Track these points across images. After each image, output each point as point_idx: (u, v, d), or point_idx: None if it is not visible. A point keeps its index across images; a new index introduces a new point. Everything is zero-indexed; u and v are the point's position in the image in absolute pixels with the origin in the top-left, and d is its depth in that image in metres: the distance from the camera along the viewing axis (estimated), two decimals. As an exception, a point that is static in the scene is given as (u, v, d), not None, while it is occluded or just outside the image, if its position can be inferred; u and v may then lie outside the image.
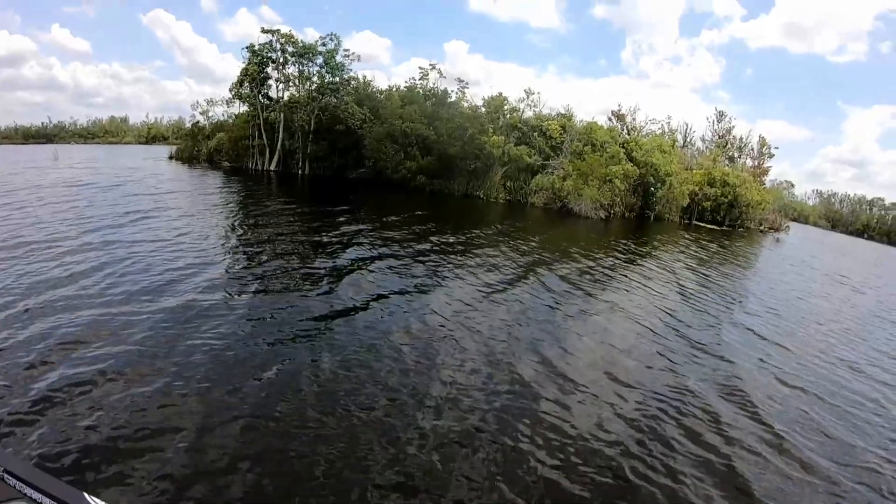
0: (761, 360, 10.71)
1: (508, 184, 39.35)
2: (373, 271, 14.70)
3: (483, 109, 44.18)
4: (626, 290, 15.51)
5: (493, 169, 39.40)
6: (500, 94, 44.51)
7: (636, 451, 6.52)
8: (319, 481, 5.56)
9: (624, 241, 25.29)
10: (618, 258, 20.67)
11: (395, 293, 12.66)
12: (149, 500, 5.27)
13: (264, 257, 16.57)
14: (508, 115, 43.41)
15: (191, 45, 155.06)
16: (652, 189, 37.51)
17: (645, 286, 16.30)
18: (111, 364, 7.79)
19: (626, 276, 17.42)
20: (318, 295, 12.22)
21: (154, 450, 5.88)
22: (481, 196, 39.16)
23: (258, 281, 13.94)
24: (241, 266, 15.48)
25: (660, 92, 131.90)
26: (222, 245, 18.11)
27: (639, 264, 19.95)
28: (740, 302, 16.66)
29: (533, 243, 21.28)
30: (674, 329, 12.08)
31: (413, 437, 6.33)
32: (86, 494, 2.99)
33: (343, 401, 7.16)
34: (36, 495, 3.05)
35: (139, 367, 7.83)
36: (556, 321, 11.74)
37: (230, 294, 12.03)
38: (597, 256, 20.14)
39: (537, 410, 7.20)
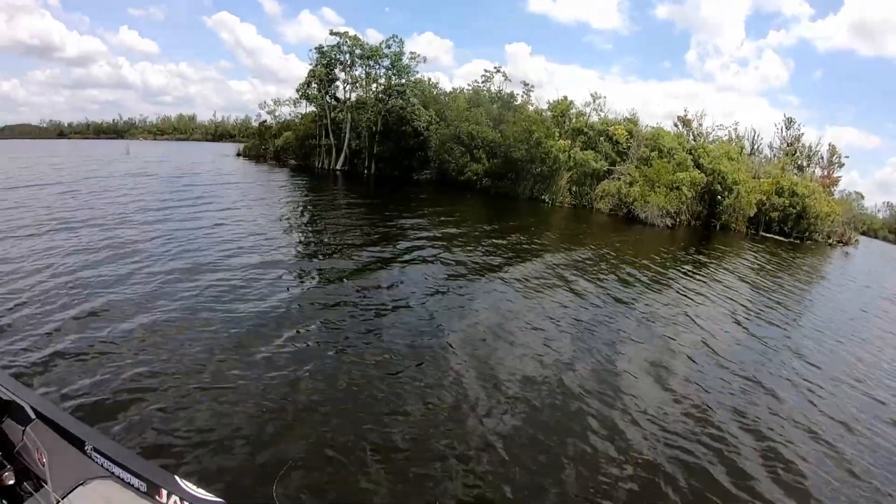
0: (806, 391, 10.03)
1: (574, 188, 39.62)
2: (434, 267, 15.53)
3: (549, 113, 44.48)
4: (688, 302, 15.33)
5: (558, 173, 39.77)
6: (566, 97, 45.17)
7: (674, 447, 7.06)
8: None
9: (689, 252, 25.16)
10: (682, 269, 20.52)
11: (455, 292, 13.22)
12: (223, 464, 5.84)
13: (328, 245, 18.17)
14: (574, 119, 43.73)
15: (255, 46, 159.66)
16: (719, 197, 37.35)
17: (708, 298, 16.23)
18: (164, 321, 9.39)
19: (689, 288, 17.24)
20: (379, 286, 13.14)
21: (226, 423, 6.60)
22: (546, 200, 39.51)
23: (320, 264, 15.52)
24: (305, 251, 17.26)
25: (726, 95, 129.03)
26: (289, 233, 19.94)
27: (703, 276, 19.52)
28: (799, 322, 15.77)
29: (599, 249, 21.55)
30: (730, 347, 12.01)
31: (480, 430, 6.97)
32: (177, 478, 3.38)
33: (397, 381, 8.04)
34: (124, 475, 3.54)
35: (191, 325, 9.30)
36: (616, 327, 11.98)
37: (292, 276, 13.53)
38: (661, 266, 20.51)
39: (587, 414, 7.69)
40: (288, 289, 12.50)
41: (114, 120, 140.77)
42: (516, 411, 7.53)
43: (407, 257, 16.53)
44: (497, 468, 6.19)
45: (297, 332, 9.80)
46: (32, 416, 4.23)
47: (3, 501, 3.88)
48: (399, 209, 27.69)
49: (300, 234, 20.46)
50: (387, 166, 50.61)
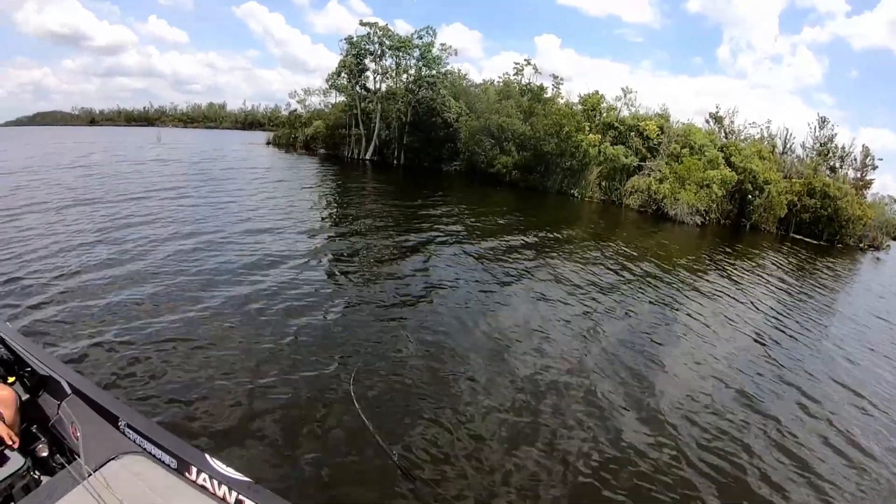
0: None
1: (604, 184, 39.83)
2: (462, 258, 15.98)
3: (579, 107, 44.76)
4: (719, 304, 15.27)
5: (588, 168, 40.10)
6: (596, 91, 45.25)
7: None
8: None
9: (719, 252, 25.04)
10: (711, 269, 20.44)
11: (479, 284, 13.59)
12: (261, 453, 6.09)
13: (357, 230, 18.92)
14: (605, 114, 43.88)
15: (283, 36, 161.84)
16: (749, 197, 37.45)
17: (737, 300, 16.05)
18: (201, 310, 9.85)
19: (719, 290, 17.09)
20: (405, 276, 13.62)
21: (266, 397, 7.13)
22: (575, 195, 39.90)
23: (348, 248, 16.34)
24: (334, 234, 18.24)
25: (759, 93, 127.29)
26: (318, 218, 21.16)
27: (732, 278, 19.34)
28: (830, 328, 15.47)
29: (627, 246, 21.60)
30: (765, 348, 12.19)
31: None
32: (207, 456, 3.52)
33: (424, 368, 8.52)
34: (156, 451, 3.70)
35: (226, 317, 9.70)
36: (646, 327, 12.02)
37: (319, 258, 14.41)
38: (690, 265, 20.60)
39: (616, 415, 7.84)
40: (314, 269, 13.33)
41: (144, 108, 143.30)
42: (532, 407, 7.74)
43: (434, 247, 17.14)
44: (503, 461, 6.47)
45: (321, 309, 10.51)
46: (68, 391, 4.45)
47: (37, 472, 4.00)
48: (428, 199, 28.46)
49: (330, 219, 21.49)
50: (416, 157, 51.29)
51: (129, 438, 3.86)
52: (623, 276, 16.63)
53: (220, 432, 6.29)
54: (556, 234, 22.37)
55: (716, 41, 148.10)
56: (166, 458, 3.62)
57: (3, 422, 4.03)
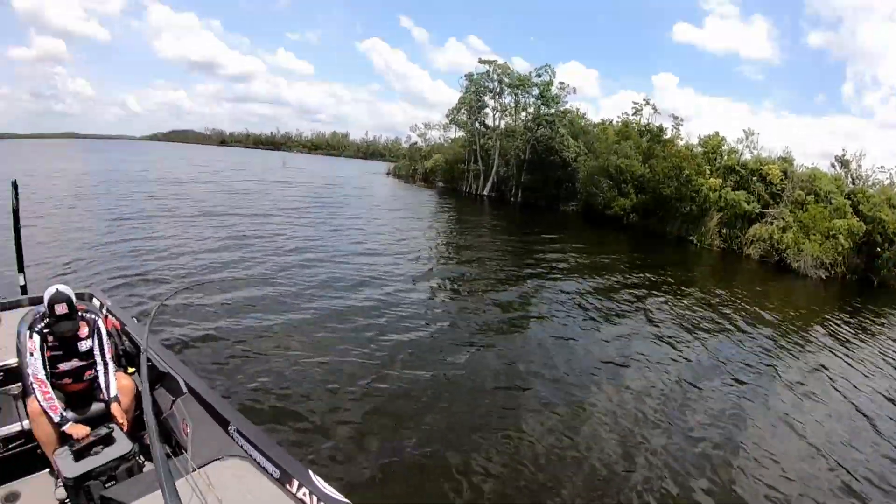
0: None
1: (724, 231, 38.84)
2: (571, 300, 16.23)
3: (699, 149, 44.14)
4: (819, 376, 13.18)
5: (708, 213, 39.34)
6: (717, 133, 44.50)
7: None
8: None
9: (839, 311, 22.58)
10: (826, 330, 18.02)
11: (591, 333, 13.37)
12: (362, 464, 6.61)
13: (469, 265, 20.28)
14: (726, 157, 42.85)
15: (404, 71, 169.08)
16: (878, 249, 35.72)
17: (850, 377, 13.48)
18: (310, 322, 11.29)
19: (832, 360, 14.69)
20: (508, 307, 14.31)
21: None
22: (694, 241, 38.96)
23: (458, 283, 17.40)
24: (446, 263, 19.93)
25: (888, 133, 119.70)
26: (432, 246, 23.07)
27: (850, 347, 16.43)
28: None
29: (743, 300, 20.38)
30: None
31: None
32: (311, 472, 3.59)
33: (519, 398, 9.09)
34: (261, 459, 3.80)
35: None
36: (752, 391, 11.24)
37: (429, 288, 15.55)
38: (802, 324, 18.50)
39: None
40: (419, 291, 14.74)
41: (272, 133, 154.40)
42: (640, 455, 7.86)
43: (542, 283, 18.02)
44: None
45: (427, 330, 11.59)
46: (185, 389, 4.86)
47: (141, 457, 4.33)
48: (541, 238, 29.51)
49: (442, 249, 23.45)
50: (533, 195, 52.29)
51: (236, 443, 4.06)
52: (730, 328, 15.81)
53: (315, 436, 7.09)
54: (669, 280, 21.94)
55: (839, 77, 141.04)
56: (269, 467, 3.75)
57: (119, 405, 4.69)
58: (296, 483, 3.53)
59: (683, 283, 21.96)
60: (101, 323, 4.99)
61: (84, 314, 4.86)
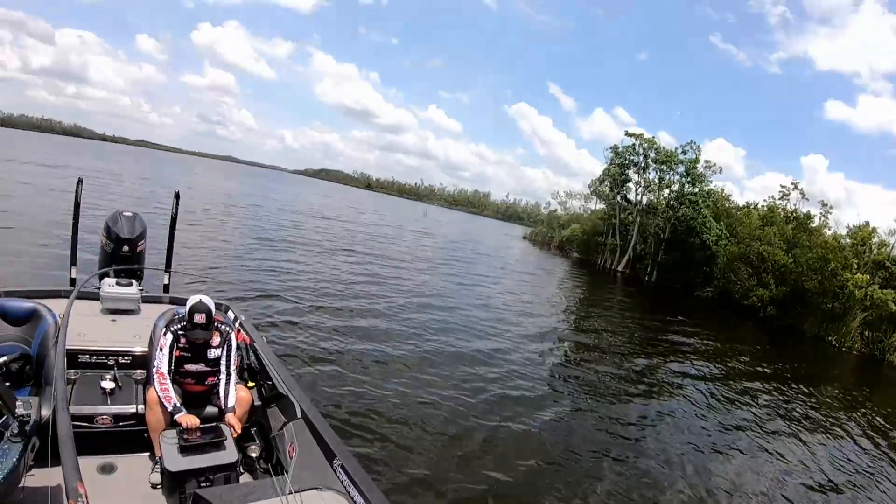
0: None
1: (867, 332, 35.75)
2: (688, 392, 15.52)
3: (847, 240, 41.58)
4: None
5: (851, 312, 36.45)
6: (867, 223, 41.79)
7: None
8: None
9: None
10: None
11: (700, 421, 12.92)
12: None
13: (589, 335, 20.55)
14: (875, 251, 40.14)
15: (549, 137, 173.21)
16: None
17: None
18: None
19: None
20: (625, 397, 13.67)
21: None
22: (833, 342, 36.07)
23: (575, 351, 17.52)
24: (566, 336, 19.73)
25: None
26: (555, 316, 23.50)
27: None
28: None
29: (877, 416, 18.01)
30: None
31: None
32: None
33: None
34: (359, 499, 3.83)
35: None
36: None
37: (544, 351, 15.99)
38: None
39: None
40: (536, 364, 14.69)
41: (416, 183, 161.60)
42: None
43: (664, 374, 17.31)
44: None
45: (529, 405, 11.36)
46: (298, 414, 4.94)
47: (241, 468, 4.56)
48: (670, 321, 28.61)
49: (566, 321, 23.74)
50: (669, 276, 51.22)
51: (338, 477, 4.07)
52: (862, 452, 13.80)
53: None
54: (799, 385, 19.87)
55: None
56: None
57: (234, 414, 4.92)
58: None
59: (812, 385, 20.47)
60: (233, 336, 5.37)
61: (219, 325, 5.30)
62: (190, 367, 5.11)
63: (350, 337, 13.20)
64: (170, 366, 4.87)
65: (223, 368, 5.19)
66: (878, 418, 17.62)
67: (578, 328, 22.68)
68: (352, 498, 3.85)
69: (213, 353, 5.18)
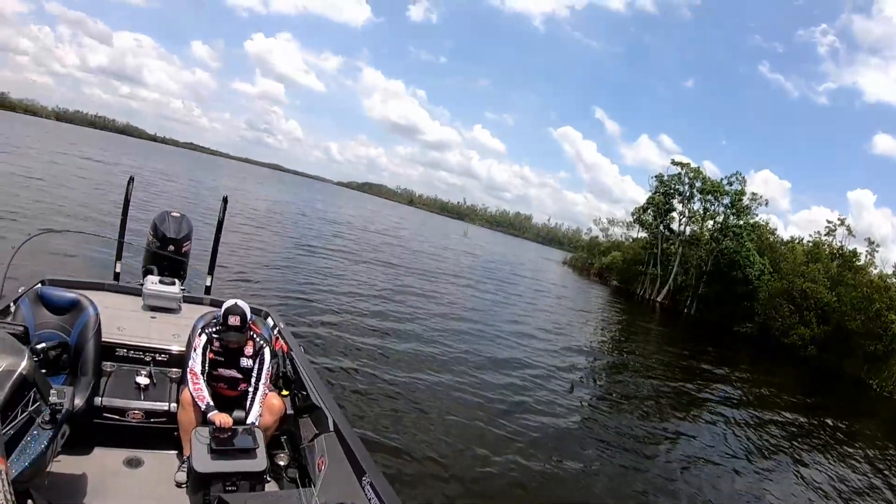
0: None
1: None
2: (721, 432, 15.11)
3: (894, 280, 40.64)
4: None
5: (894, 355, 35.22)
6: None
7: None
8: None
9: None
10: None
11: (732, 463, 12.65)
12: None
13: (622, 367, 20.71)
14: None
15: (593, 162, 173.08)
16: None
17: None
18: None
19: None
20: (654, 431, 13.49)
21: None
22: (875, 386, 34.59)
23: (604, 382, 17.95)
24: (598, 366, 20.01)
25: None
26: (590, 342, 23.76)
27: None
28: None
29: None
30: None
31: None
32: None
33: None
34: None
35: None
36: None
37: (574, 380, 16.03)
38: None
39: None
40: (567, 382, 15.31)
41: (458, 202, 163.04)
42: None
43: (696, 411, 17.02)
44: None
45: (560, 417, 12.11)
46: (331, 427, 4.90)
47: (268, 475, 4.56)
48: (708, 359, 27.92)
49: (599, 349, 24.01)
50: (708, 309, 50.47)
51: (366, 495, 4.01)
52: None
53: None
54: (834, 428, 19.52)
55: None
56: None
57: (261, 419, 5.00)
58: None
59: (849, 434, 19.56)
60: (266, 350, 5.36)
61: (255, 336, 5.34)
62: (223, 371, 5.20)
63: (377, 348, 13.70)
64: (203, 367, 5.01)
65: (253, 382, 5.23)
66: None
67: (610, 358, 23.04)
68: None
69: (244, 362, 5.25)
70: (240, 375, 5.26)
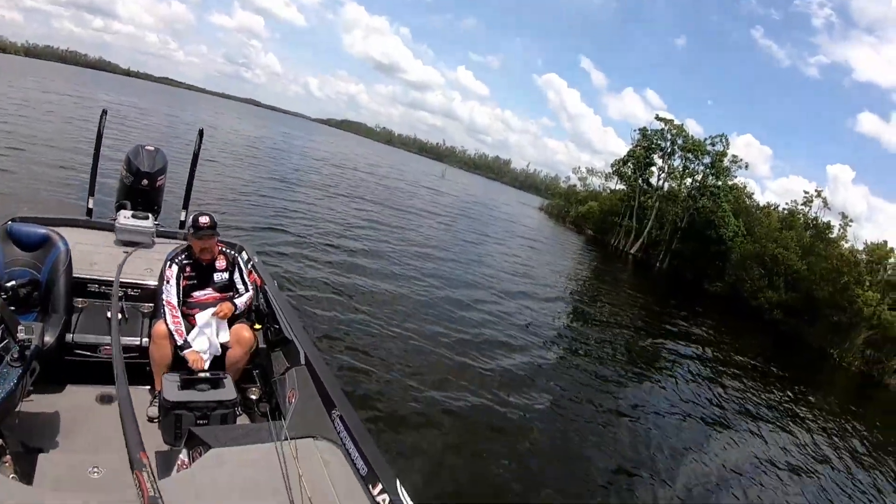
0: None
1: (868, 351, 34.93)
2: (679, 383, 15.68)
3: (863, 256, 40.75)
4: None
5: (857, 328, 35.87)
6: (885, 242, 40.83)
7: None
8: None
9: None
10: None
11: (689, 415, 13.14)
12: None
13: (589, 310, 22.03)
14: (890, 271, 39.36)
15: (577, 112, 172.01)
16: None
17: None
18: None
19: None
20: (619, 379, 14.03)
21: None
22: (834, 356, 35.46)
23: (573, 326, 18.66)
24: (567, 310, 20.98)
25: None
26: (559, 289, 24.79)
27: None
28: None
29: (868, 439, 17.06)
30: None
31: None
32: (398, 481, 3.55)
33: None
34: (353, 451, 3.83)
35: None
36: None
37: (543, 330, 16.38)
38: None
39: None
40: (533, 330, 15.58)
41: (437, 143, 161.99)
42: None
43: (661, 363, 17.64)
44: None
45: (527, 354, 12.74)
46: (302, 361, 4.91)
47: (239, 409, 4.62)
48: (675, 318, 27.93)
49: (570, 294, 25.19)
50: (681, 265, 51.44)
51: (335, 428, 4.07)
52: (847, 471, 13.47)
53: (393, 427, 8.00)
54: (792, 396, 19.33)
55: None
56: (359, 463, 3.72)
57: (235, 346, 5.08)
58: (379, 486, 3.48)
59: (803, 400, 19.48)
60: (240, 259, 5.54)
61: (225, 250, 5.43)
62: (198, 294, 5.20)
63: (346, 275, 14.61)
64: (178, 298, 5.00)
65: (239, 287, 5.38)
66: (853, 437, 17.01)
67: (579, 301, 24.17)
68: (346, 449, 3.87)
69: (219, 277, 5.29)
70: (216, 294, 5.27)
